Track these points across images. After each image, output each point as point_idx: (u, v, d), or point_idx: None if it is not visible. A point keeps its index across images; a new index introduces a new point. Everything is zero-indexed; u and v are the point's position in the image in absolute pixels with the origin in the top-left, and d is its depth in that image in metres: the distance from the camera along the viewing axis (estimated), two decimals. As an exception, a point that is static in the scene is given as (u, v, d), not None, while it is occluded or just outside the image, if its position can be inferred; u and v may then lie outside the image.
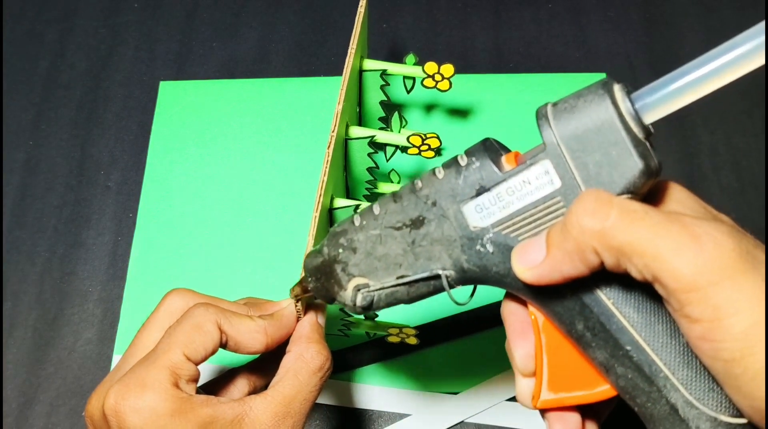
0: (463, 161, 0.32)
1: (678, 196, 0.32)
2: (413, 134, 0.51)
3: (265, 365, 0.41)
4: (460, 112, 0.63)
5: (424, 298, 0.35)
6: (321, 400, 0.52)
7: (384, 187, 0.55)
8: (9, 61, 0.68)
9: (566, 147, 0.29)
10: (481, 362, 0.53)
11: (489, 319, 0.55)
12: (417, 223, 0.33)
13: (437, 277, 0.33)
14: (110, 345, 0.55)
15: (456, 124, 0.63)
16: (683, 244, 0.27)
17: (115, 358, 0.54)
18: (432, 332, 0.54)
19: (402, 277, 0.34)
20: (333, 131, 0.45)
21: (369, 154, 0.50)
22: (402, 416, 0.52)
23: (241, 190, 0.60)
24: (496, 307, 0.55)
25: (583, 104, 0.29)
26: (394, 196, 0.34)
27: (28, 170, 0.63)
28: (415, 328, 0.54)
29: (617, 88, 0.29)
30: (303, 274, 0.37)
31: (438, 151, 0.57)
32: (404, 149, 0.52)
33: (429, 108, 0.63)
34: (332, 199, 0.46)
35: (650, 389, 0.30)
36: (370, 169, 0.52)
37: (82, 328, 0.56)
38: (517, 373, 0.35)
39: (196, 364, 0.35)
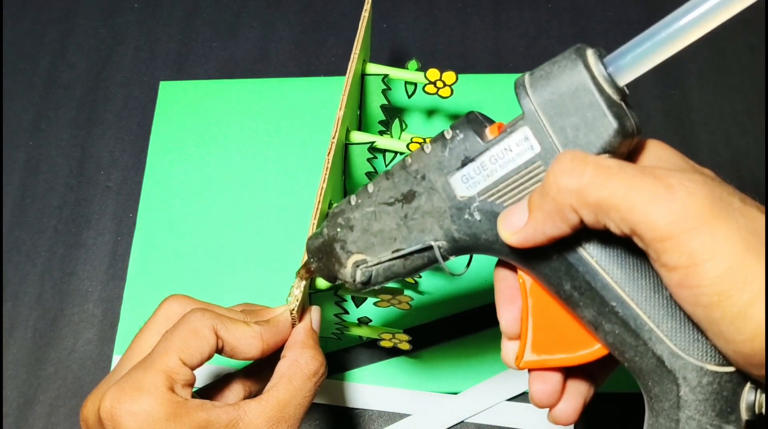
0: (448, 135, 0.33)
1: (658, 152, 0.32)
2: (413, 141, 0.51)
3: (260, 370, 0.41)
4: (460, 116, 0.63)
5: (420, 271, 0.36)
6: (321, 400, 0.52)
7: None
8: (9, 61, 0.68)
9: (543, 113, 0.31)
10: (481, 362, 0.53)
11: (489, 318, 0.55)
12: (408, 197, 0.35)
13: (430, 248, 0.34)
14: (110, 345, 0.55)
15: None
16: (657, 195, 0.27)
17: (115, 358, 0.54)
18: (432, 332, 0.54)
19: (397, 250, 0.35)
20: (333, 137, 0.45)
21: (368, 160, 0.50)
22: (402, 416, 0.52)
23: (241, 190, 0.60)
24: (494, 307, 0.55)
25: (557, 70, 0.30)
26: (386, 173, 0.35)
27: (28, 170, 0.63)
28: (413, 328, 0.54)
29: (590, 53, 0.30)
30: (306, 256, 0.39)
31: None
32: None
33: (430, 113, 0.63)
34: (330, 203, 0.46)
35: (637, 343, 0.31)
36: (369, 174, 0.52)
37: (82, 328, 0.56)
38: (504, 336, 0.36)
39: (192, 368, 0.36)
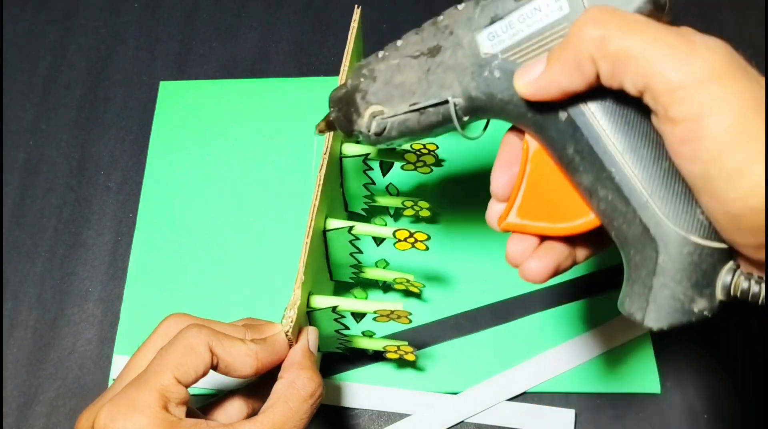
0: None
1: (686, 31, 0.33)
2: (409, 151, 0.51)
3: (264, 388, 0.41)
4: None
5: (434, 130, 0.37)
6: (321, 400, 0.52)
7: (383, 200, 0.55)
8: (9, 61, 0.68)
9: None
10: (481, 362, 0.53)
11: (489, 318, 0.55)
12: (434, 51, 0.36)
13: (446, 103, 0.35)
14: (110, 345, 0.55)
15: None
16: (678, 48, 0.28)
17: (115, 359, 0.54)
18: (432, 332, 0.54)
19: (414, 104, 0.36)
20: (325, 153, 0.45)
21: (364, 171, 0.50)
22: (402, 416, 0.52)
23: (241, 190, 0.60)
24: (494, 307, 0.55)
25: None
26: (417, 29, 0.37)
27: (28, 170, 0.63)
28: (413, 328, 0.54)
29: None
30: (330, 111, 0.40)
31: (438, 162, 0.57)
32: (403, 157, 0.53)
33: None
34: (326, 219, 0.46)
35: (626, 210, 0.32)
36: (366, 185, 0.52)
37: (82, 328, 0.56)
38: (493, 198, 0.37)
39: (187, 386, 0.36)
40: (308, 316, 0.44)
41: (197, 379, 0.36)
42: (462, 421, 0.51)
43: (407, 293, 0.55)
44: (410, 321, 0.46)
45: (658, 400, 0.52)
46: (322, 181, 0.43)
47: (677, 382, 0.53)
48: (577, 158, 0.33)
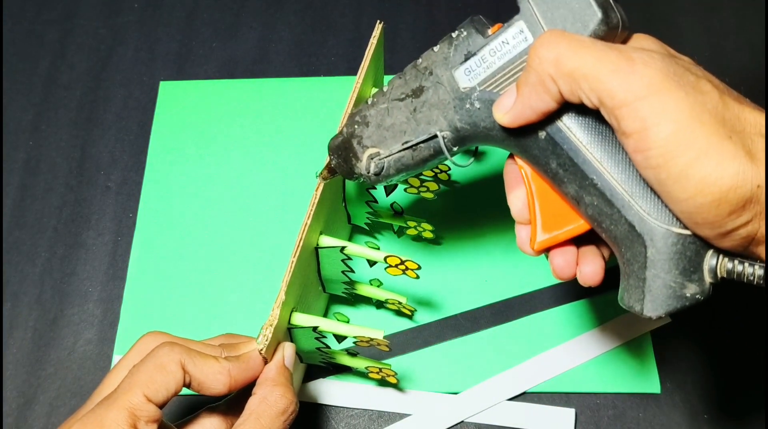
0: (454, 34, 0.38)
1: (641, 41, 0.36)
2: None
3: (243, 405, 0.40)
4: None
5: (428, 163, 0.40)
6: (321, 400, 0.52)
7: (386, 218, 0.55)
8: (9, 61, 0.68)
9: (537, 7, 0.35)
10: (481, 362, 0.53)
11: (488, 318, 0.55)
12: (417, 92, 0.39)
13: (435, 137, 0.39)
14: (110, 345, 0.55)
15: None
16: (618, 66, 0.31)
17: (115, 359, 0.54)
18: (432, 332, 0.54)
19: (406, 142, 0.39)
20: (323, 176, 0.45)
21: (367, 189, 0.50)
22: (402, 416, 0.52)
23: (241, 190, 0.60)
24: (494, 307, 0.55)
25: None
26: (399, 74, 0.40)
27: (28, 170, 0.63)
28: (414, 328, 0.54)
29: None
30: (328, 157, 0.43)
31: (449, 182, 0.58)
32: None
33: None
34: (320, 234, 0.47)
35: (612, 211, 0.35)
36: (368, 202, 0.51)
37: (82, 329, 0.56)
38: (517, 224, 0.40)
39: (158, 404, 0.35)
40: (289, 332, 0.44)
41: (169, 398, 0.36)
42: (462, 421, 0.51)
43: (399, 313, 0.55)
44: (390, 349, 0.46)
45: (658, 400, 0.52)
46: (316, 201, 0.44)
47: (677, 382, 0.53)
48: (561, 171, 0.36)
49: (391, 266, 0.47)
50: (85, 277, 0.58)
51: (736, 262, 0.33)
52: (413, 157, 0.40)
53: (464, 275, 0.56)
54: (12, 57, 0.68)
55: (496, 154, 0.60)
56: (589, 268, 0.38)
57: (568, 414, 0.51)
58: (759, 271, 0.32)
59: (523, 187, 0.39)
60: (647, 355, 0.53)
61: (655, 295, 0.34)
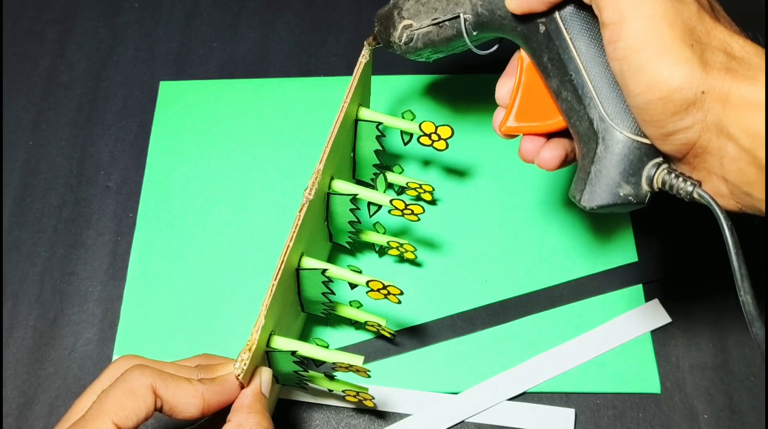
0: None
1: None
2: (408, 185, 0.52)
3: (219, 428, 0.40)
4: (462, 119, 0.63)
5: (451, 43, 0.45)
6: (321, 401, 0.52)
7: (368, 236, 0.55)
8: (9, 61, 0.68)
9: None
10: (481, 362, 0.53)
11: (488, 318, 0.55)
12: None
13: (458, 17, 0.44)
14: (110, 345, 0.55)
15: (459, 133, 0.63)
16: None
17: (115, 359, 0.54)
18: (432, 332, 0.54)
19: (435, 19, 0.45)
20: (310, 194, 0.45)
21: (351, 210, 0.50)
22: (402, 416, 0.52)
23: (241, 190, 0.60)
24: (494, 307, 0.55)
25: None
26: None
27: (28, 170, 0.63)
28: (414, 327, 0.54)
29: None
30: (375, 26, 0.49)
31: (432, 201, 0.58)
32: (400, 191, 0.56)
33: (426, 163, 0.63)
34: (302, 256, 0.47)
35: (579, 108, 0.38)
36: (352, 223, 0.51)
37: (82, 328, 0.56)
38: (498, 109, 0.44)
39: None
40: (267, 355, 0.43)
41: (139, 423, 0.35)
42: (462, 421, 0.51)
43: (378, 336, 0.54)
44: (369, 375, 0.46)
45: (658, 400, 0.52)
46: (299, 223, 0.44)
47: (677, 382, 0.53)
48: (550, 65, 0.40)
49: (373, 290, 0.47)
50: (85, 277, 0.58)
51: (672, 175, 0.36)
52: (438, 34, 0.45)
53: (464, 275, 0.56)
54: (12, 57, 0.68)
55: (493, 160, 0.60)
56: (548, 153, 0.42)
57: (568, 414, 0.51)
58: (688, 188, 0.35)
59: (514, 78, 0.43)
60: (647, 355, 0.53)
61: (594, 188, 0.37)
